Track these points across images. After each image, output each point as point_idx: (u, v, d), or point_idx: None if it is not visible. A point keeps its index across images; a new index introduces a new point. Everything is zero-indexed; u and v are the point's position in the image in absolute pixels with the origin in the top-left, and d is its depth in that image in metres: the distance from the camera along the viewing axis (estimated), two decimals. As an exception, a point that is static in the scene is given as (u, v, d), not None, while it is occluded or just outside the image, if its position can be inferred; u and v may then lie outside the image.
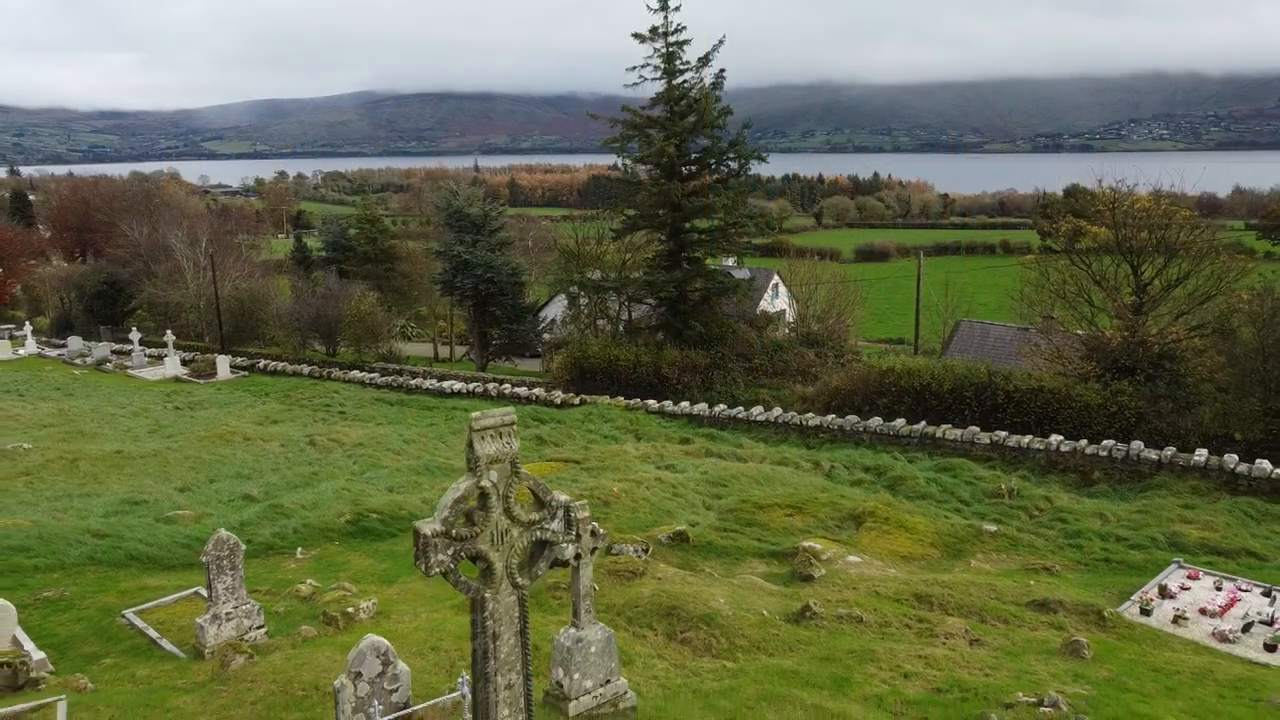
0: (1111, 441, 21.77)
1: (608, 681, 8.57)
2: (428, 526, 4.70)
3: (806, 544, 15.44)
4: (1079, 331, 28.32)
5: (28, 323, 51.91)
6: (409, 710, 7.52)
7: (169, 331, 42.50)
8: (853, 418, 25.53)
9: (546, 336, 47.48)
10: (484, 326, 45.05)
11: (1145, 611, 13.40)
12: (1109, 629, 12.47)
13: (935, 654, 10.96)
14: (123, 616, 12.39)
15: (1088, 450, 21.61)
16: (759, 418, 26.98)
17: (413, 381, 35.38)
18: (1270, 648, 12.36)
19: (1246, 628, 12.93)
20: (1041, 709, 8.91)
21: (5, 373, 40.02)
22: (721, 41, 35.03)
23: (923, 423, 24.45)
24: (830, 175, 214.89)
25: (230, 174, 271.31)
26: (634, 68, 34.69)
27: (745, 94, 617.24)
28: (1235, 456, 20.25)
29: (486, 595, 4.94)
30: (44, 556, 14.38)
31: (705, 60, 34.62)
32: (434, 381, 35.11)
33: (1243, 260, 26.35)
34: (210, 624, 10.94)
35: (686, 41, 34.42)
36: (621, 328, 39.80)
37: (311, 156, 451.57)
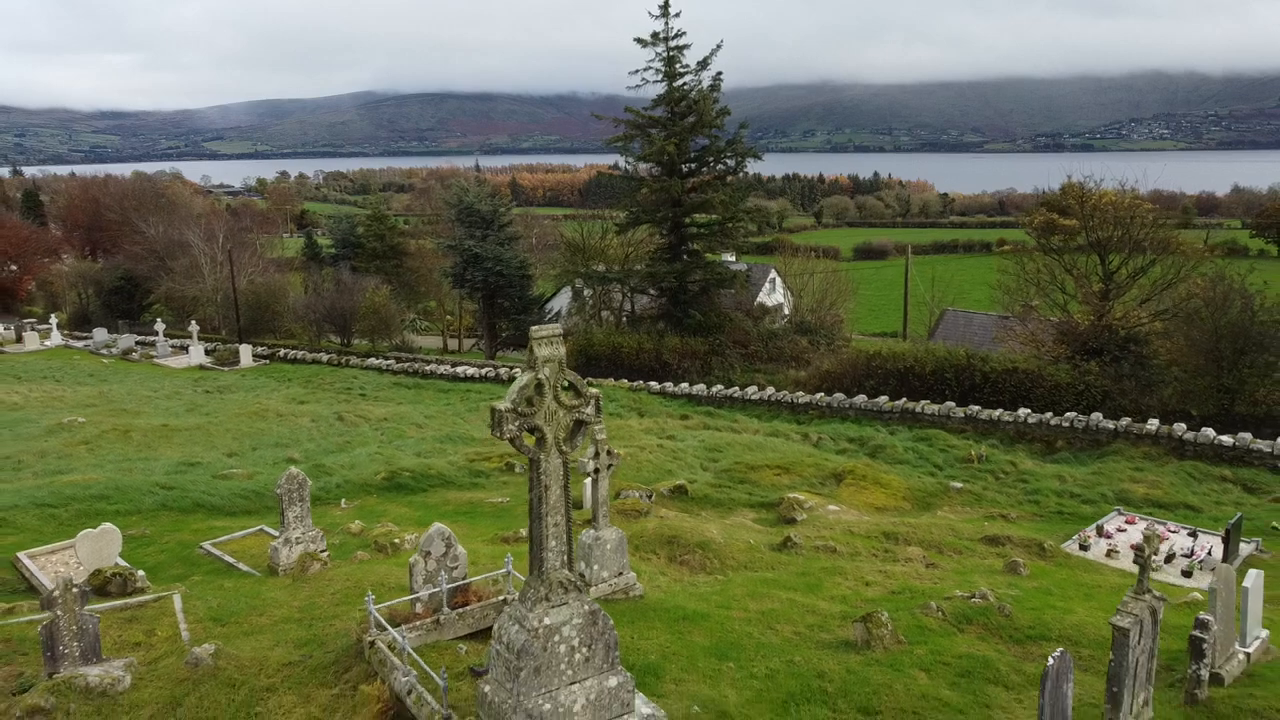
0: (1074, 413, 23.79)
1: (620, 573, 10.60)
2: (502, 405, 6.66)
3: (792, 495, 17.46)
4: (1053, 318, 30.35)
5: (53, 316, 53.87)
6: (466, 581, 9.53)
7: (193, 322, 44.51)
8: (839, 395, 27.55)
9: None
10: (493, 317, 47.08)
11: (1084, 547, 15.43)
12: (1048, 558, 14.50)
13: (894, 570, 13.00)
14: (200, 548, 14.41)
15: (1052, 421, 23.63)
16: (753, 397, 29.02)
17: (427, 368, 37.41)
18: (1186, 574, 14.38)
19: (1169, 559, 14.96)
20: (972, 600, 10.93)
21: (38, 361, 42.07)
22: (719, 46, 37.14)
23: (903, 399, 26.46)
24: (831, 175, 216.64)
25: (232, 174, 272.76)
26: (636, 71, 36.78)
27: (746, 94, 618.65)
28: (1184, 425, 22.27)
29: (541, 457, 6.91)
30: (122, 503, 16.41)
31: (704, 64, 36.70)
32: (448, 367, 37.13)
33: (1201, 250, 28.32)
34: (283, 546, 12.95)
35: (686, 46, 36.51)
36: (624, 319, 41.81)
37: (312, 156, 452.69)
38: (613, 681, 7.35)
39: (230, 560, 13.76)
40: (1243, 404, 24.53)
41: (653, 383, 31.84)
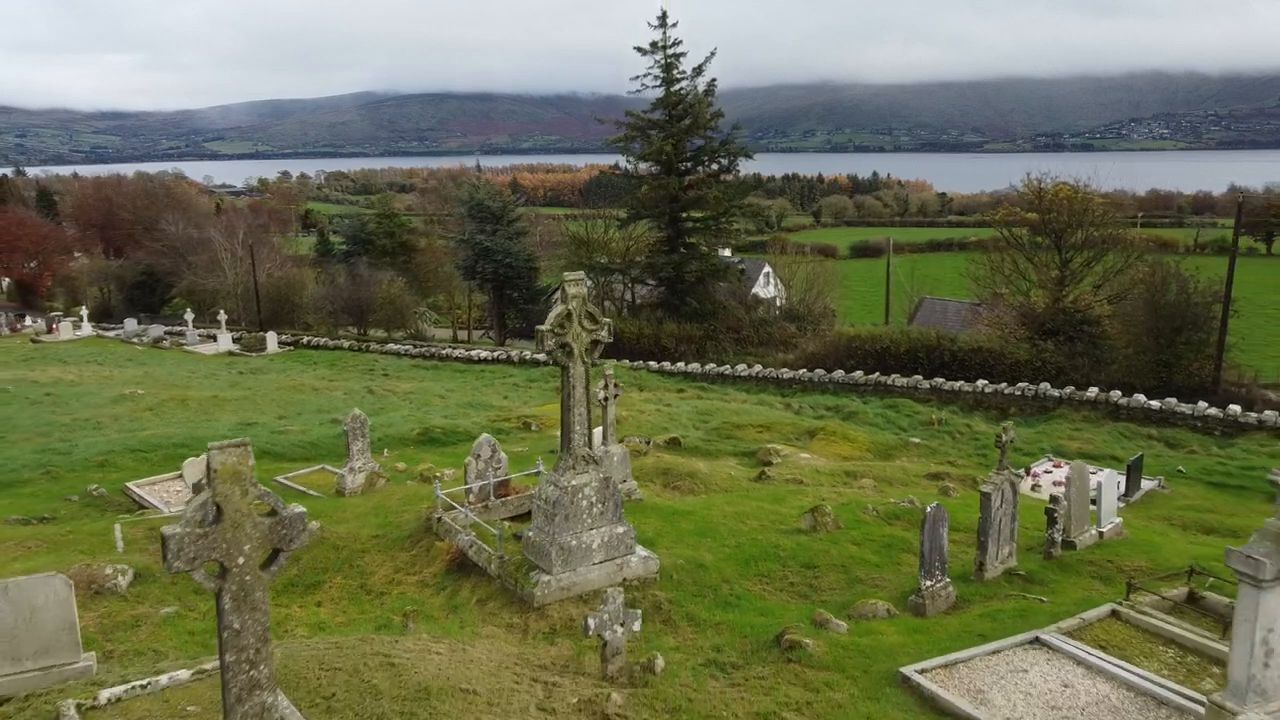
0: (1025, 384, 26.69)
1: (625, 481, 13.51)
2: (543, 327, 9.53)
3: (770, 446, 20.37)
4: (1016, 302, 33.28)
5: (82, 308, 56.75)
6: (508, 477, 12.44)
7: (221, 311, 47.43)
8: (820, 371, 30.48)
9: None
10: (502, 307, 50.03)
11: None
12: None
13: (847, 492, 15.90)
14: (274, 480, 17.29)
15: (1006, 391, 26.55)
16: (743, 374, 31.94)
17: (443, 352, 40.34)
18: (1093, 501, 17.25)
19: (1081, 491, 17.83)
20: (902, 504, 13.83)
21: (76, 348, 44.93)
22: (713, 53, 40.20)
23: (876, 373, 29.38)
24: (830, 175, 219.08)
25: (233, 174, 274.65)
26: (636, 76, 39.83)
27: (746, 94, 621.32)
28: (1119, 392, 25.16)
29: (570, 364, 9.79)
30: (200, 449, 19.26)
31: (699, 70, 39.71)
32: (462, 351, 40.08)
33: (1146, 242, 31.24)
34: (348, 474, 15.84)
35: (683, 54, 39.57)
36: (625, 308, 44.73)
37: (313, 157, 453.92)
38: (620, 529, 10.25)
39: (301, 489, 16.65)
40: (1180, 376, 27.45)
41: (651, 363, 34.76)
